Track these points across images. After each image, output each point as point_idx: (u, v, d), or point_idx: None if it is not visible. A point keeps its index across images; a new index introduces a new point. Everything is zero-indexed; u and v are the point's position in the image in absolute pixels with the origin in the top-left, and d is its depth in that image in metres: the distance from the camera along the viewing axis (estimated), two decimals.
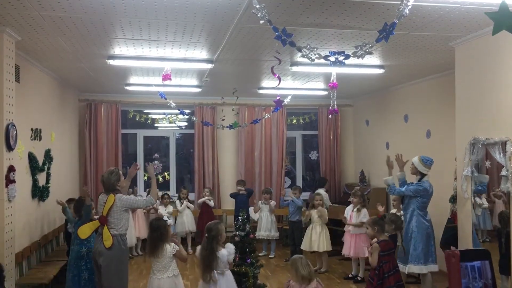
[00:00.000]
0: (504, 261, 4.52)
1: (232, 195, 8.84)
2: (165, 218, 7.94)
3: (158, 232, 4.54)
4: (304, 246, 7.40)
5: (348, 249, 6.87)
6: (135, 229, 8.18)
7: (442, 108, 7.02)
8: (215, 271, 4.43)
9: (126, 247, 4.89)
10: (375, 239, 4.98)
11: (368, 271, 5.82)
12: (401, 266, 5.51)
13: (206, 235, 4.53)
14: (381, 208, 6.50)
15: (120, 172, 5.06)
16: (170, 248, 4.55)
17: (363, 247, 6.68)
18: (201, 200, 8.89)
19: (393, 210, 6.62)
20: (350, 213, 7.04)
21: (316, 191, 8.84)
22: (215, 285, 4.42)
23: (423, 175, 5.70)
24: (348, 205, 7.30)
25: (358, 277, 6.82)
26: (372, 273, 4.90)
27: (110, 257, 4.70)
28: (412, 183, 5.77)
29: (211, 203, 8.87)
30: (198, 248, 4.64)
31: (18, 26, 4.60)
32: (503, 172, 4.46)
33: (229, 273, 4.59)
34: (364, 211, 6.92)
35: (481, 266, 3.16)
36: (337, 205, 8.81)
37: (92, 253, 5.04)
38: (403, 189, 5.74)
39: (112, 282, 4.73)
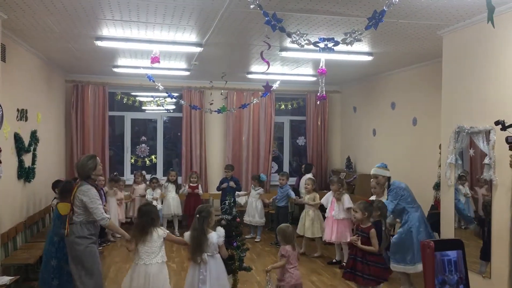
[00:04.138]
0: (485, 247, 4.64)
1: (218, 189, 8.79)
2: (154, 203, 7.96)
3: (148, 217, 4.50)
4: (298, 230, 7.42)
5: (329, 235, 6.87)
6: (119, 213, 8.20)
7: (428, 96, 7.09)
8: (206, 253, 4.47)
9: (86, 235, 4.53)
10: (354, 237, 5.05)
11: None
12: (401, 267, 5.40)
13: (197, 215, 4.56)
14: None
15: (98, 160, 4.75)
16: (162, 232, 4.55)
17: (345, 232, 6.74)
18: (186, 190, 8.76)
19: (373, 197, 6.40)
20: (331, 199, 7.04)
21: (304, 177, 8.92)
22: (205, 267, 4.47)
23: (389, 179, 5.74)
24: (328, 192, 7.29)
25: (343, 263, 6.86)
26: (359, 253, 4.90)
27: (68, 244, 4.57)
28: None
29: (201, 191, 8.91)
30: (187, 233, 4.65)
31: (4, 4, 4.52)
32: (486, 161, 4.55)
33: (218, 257, 4.64)
34: (346, 197, 6.90)
35: (457, 260, 3.25)
36: (324, 191, 8.89)
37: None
38: (390, 208, 5.51)
39: (72, 270, 4.57)
